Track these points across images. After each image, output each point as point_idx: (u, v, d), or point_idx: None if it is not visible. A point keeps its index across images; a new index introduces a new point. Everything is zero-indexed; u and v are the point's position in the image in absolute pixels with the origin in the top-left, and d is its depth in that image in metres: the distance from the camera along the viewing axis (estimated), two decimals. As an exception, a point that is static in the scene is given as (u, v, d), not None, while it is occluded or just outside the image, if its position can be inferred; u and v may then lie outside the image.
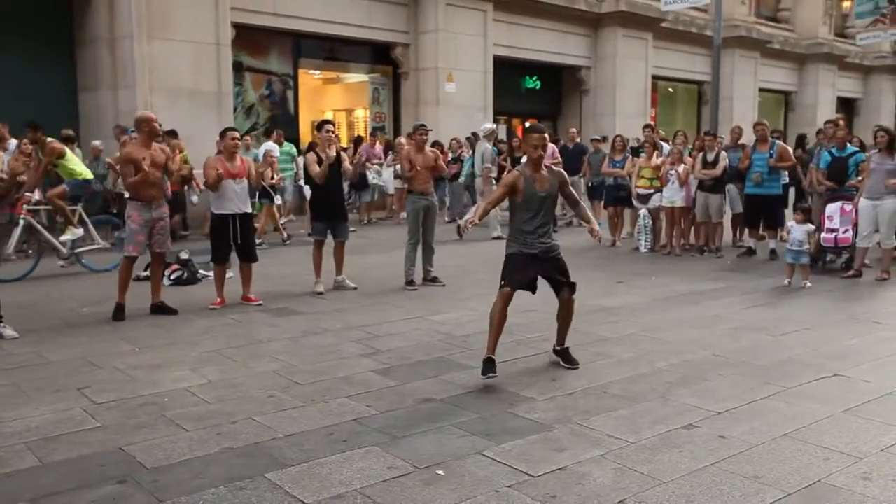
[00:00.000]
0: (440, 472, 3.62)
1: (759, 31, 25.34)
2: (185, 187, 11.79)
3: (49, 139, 9.40)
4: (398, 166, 12.52)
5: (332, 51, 17.24)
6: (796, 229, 8.43)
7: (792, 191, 12.37)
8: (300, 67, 16.73)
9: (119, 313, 6.79)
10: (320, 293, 7.88)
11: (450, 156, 14.43)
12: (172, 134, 11.26)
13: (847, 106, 30.72)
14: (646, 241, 11.07)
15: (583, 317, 6.62)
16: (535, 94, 21.50)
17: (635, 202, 11.30)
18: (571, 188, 5.48)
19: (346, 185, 9.70)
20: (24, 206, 8.96)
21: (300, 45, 16.41)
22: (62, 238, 9.22)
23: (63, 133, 11.54)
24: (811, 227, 8.56)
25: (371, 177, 14.65)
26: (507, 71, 19.29)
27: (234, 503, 3.33)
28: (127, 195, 7.31)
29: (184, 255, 8.74)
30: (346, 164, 8.16)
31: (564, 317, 5.36)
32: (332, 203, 8.01)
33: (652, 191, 10.87)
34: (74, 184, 9.53)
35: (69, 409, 4.48)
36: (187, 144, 11.85)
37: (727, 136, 12.32)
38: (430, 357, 5.57)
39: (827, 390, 4.83)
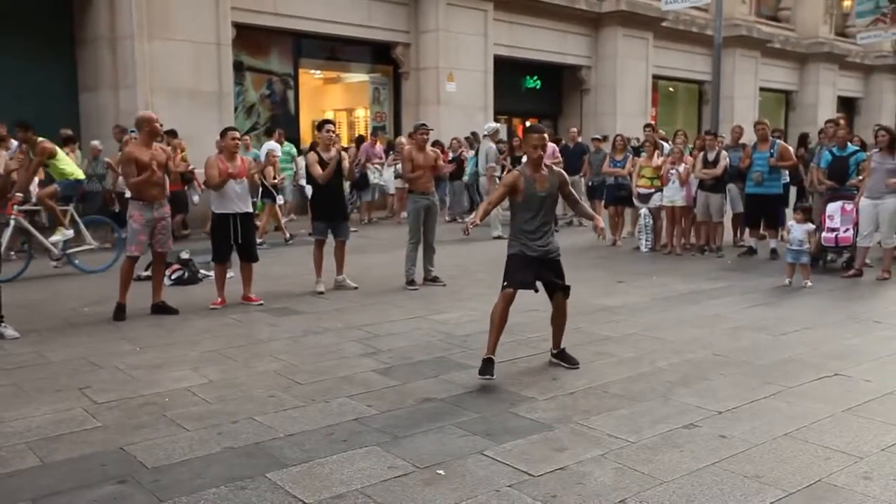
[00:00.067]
0: (441, 471, 3.62)
1: (760, 30, 25.34)
2: (187, 187, 11.80)
3: (40, 139, 9.31)
4: (399, 166, 12.53)
5: (333, 50, 17.24)
6: (797, 229, 8.43)
7: (793, 190, 12.37)
8: (301, 67, 16.72)
9: (120, 313, 6.80)
10: (321, 293, 7.88)
11: (450, 155, 14.42)
12: (172, 134, 11.27)
13: (848, 105, 30.71)
14: (646, 240, 11.07)
15: (583, 316, 6.63)
16: (535, 93, 21.49)
17: (636, 202, 11.30)
18: (571, 188, 5.48)
19: (347, 185, 9.70)
20: (15, 207, 8.80)
21: (301, 44, 16.41)
22: (52, 239, 9.14)
23: (63, 133, 11.56)
24: (812, 226, 8.56)
25: (372, 176, 14.65)
26: (508, 70, 19.29)
27: (234, 503, 3.33)
28: (128, 195, 7.32)
29: (185, 255, 8.74)
30: (346, 164, 8.17)
31: (559, 320, 5.36)
32: (332, 203, 8.02)
33: (652, 190, 10.87)
34: (66, 184, 9.48)
35: (70, 408, 4.49)
36: (188, 144, 11.86)
37: (728, 135, 12.30)
38: (430, 357, 5.57)
39: (828, 390, 4.82)
